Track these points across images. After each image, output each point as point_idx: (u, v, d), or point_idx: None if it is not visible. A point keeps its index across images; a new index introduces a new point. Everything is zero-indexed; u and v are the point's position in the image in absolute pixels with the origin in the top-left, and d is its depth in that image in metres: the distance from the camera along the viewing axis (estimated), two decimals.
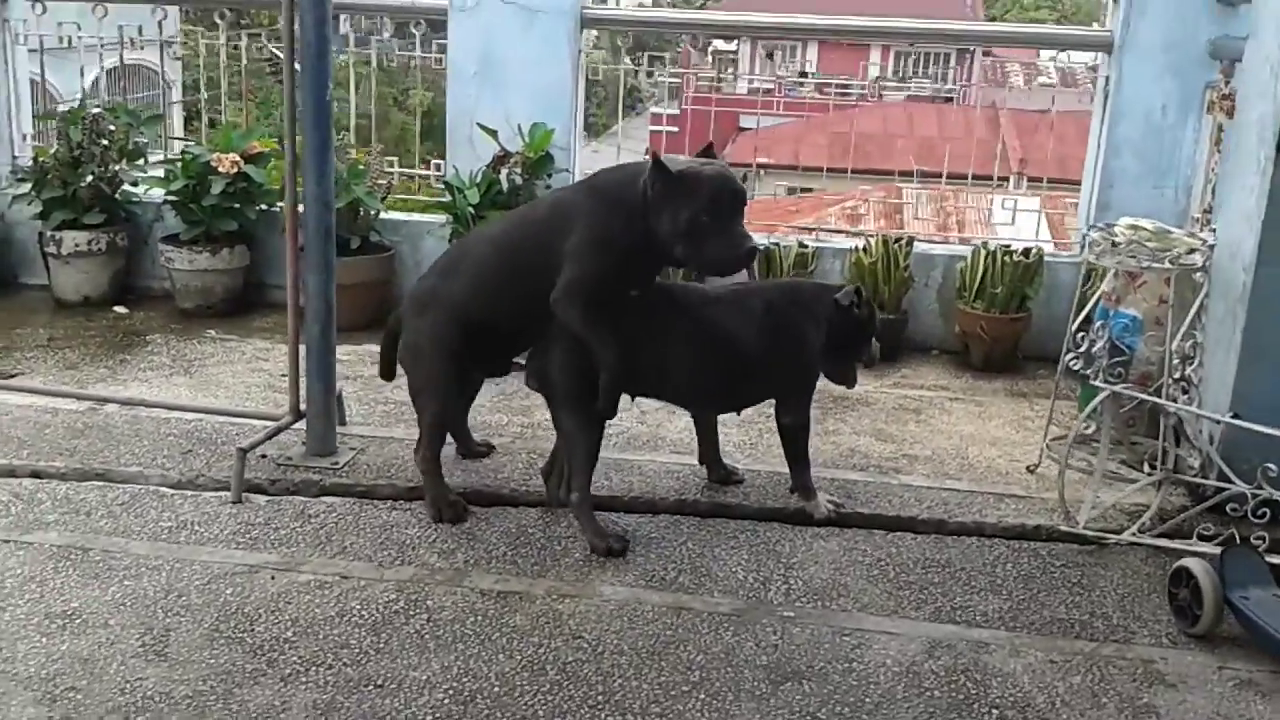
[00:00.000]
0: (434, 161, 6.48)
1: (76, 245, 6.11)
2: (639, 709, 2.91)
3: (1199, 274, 4.24)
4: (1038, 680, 3.14)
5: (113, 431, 4.48)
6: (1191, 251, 4.17)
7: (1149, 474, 4.21)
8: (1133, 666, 3.24)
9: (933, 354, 6.12)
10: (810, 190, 15.92)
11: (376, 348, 5.56)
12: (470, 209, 5.77)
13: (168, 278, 6.21)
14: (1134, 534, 3.96)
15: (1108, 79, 5.77)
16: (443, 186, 6.14)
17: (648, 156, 3.86)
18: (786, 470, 4.14)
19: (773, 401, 4.10)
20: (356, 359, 5.54)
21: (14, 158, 6.49)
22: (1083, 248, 4.44)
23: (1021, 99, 13.78)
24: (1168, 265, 4.18)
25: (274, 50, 7.18)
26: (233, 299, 6.13)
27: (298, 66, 3.94)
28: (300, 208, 4.15)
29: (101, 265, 6.22)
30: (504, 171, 5.88)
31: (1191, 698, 3.11)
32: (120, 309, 6.23)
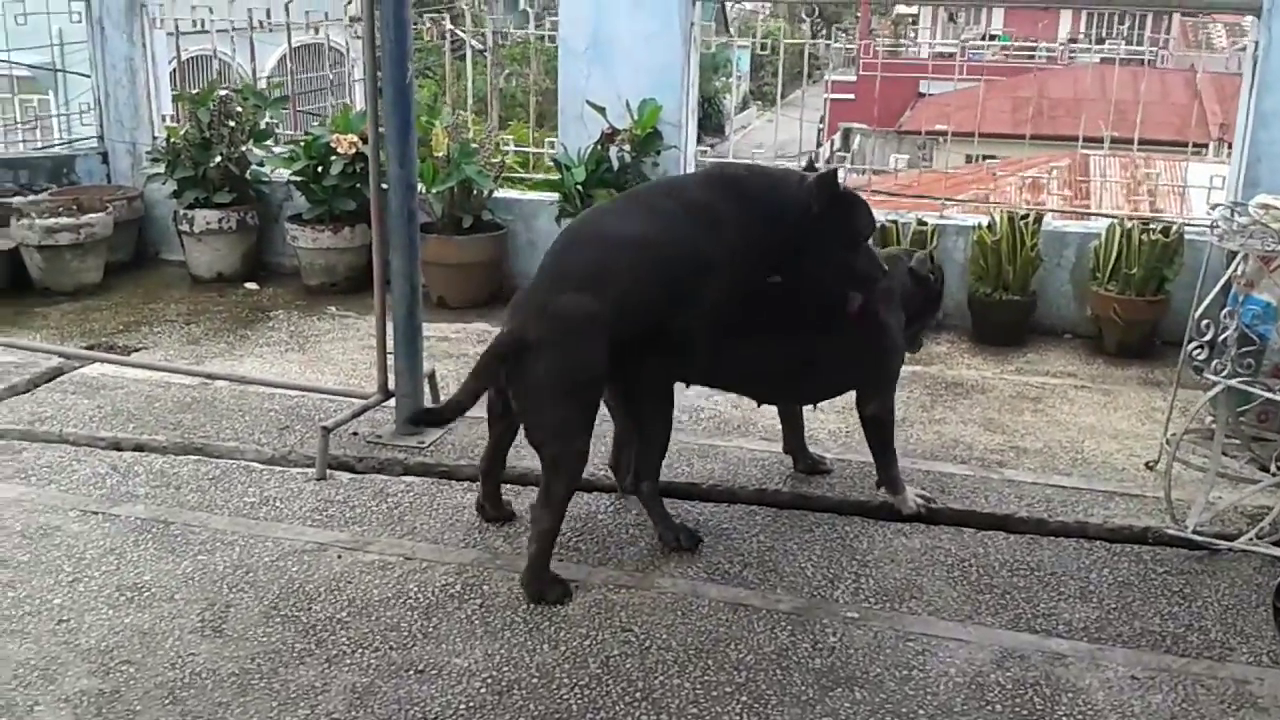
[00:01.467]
0: (548, 140, 6.47)
1: (208, 223, 6.35)
2: (676, 709, 2.82)
3: None
4: (1113, 698, 2.92)
5: (218, 407, 4.62)
6: None
7: (1274, 474, 3.87)
8: (1223, 687, 2.98)
9: (1064, 338, 5.81)
10: (993, 158, 15.32)
11: (486, 326, 5.69)
12: (577, 187, 5.73)
13: (294, 255, 6.39)
14: (1249, 540, 3.64)
15: (1256, 44, 5.31)
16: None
17: (804, 169, 3.65)
18: (917, 504, 3.89)
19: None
20: (464, 337, 5.60)
21: (154, 138, 6.79)
22: (1210, 227, 4.08)
23: (1221, 62, 12.94)
24: None
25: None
26: (355, 277, 6.26)
27: (378, 49, 3.95)
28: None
29: (233, 243, 6.46)
30: (612, 149, 5.82)
31: None
32: (251, 285, 6.46)
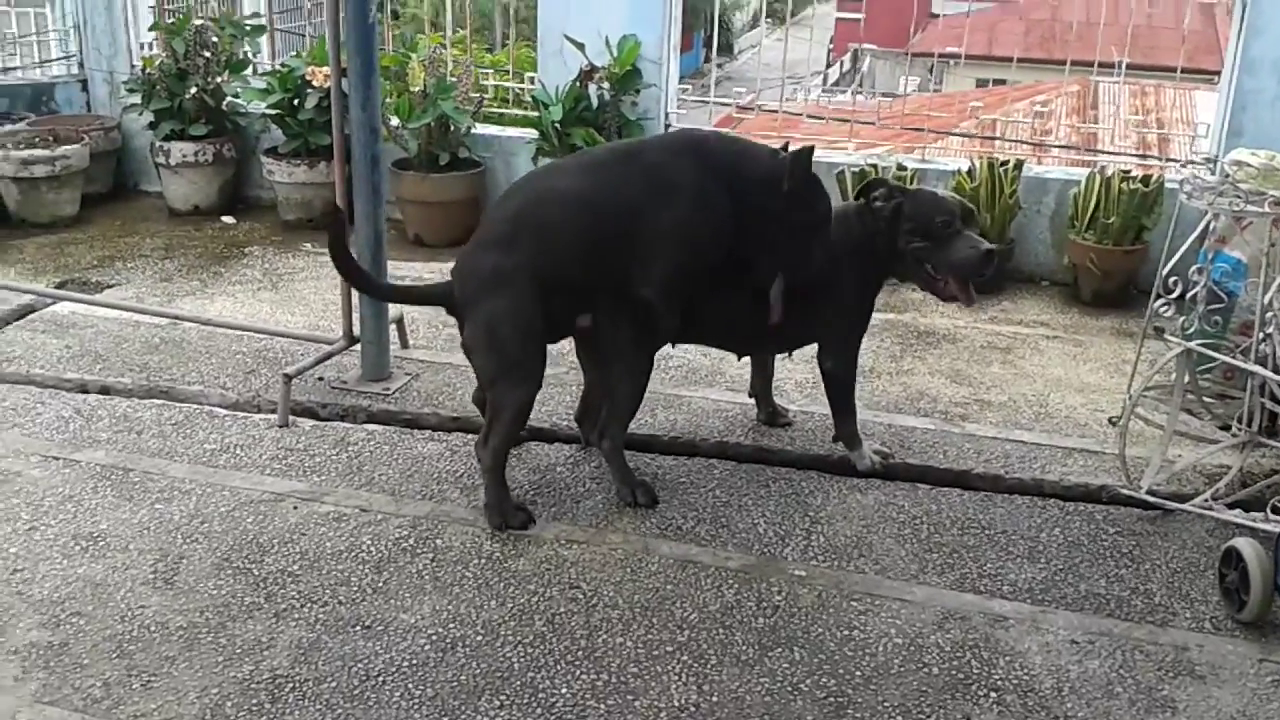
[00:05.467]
0: (529, 75, 6.38)
1: (184, 156, 6.30)
2: (616, 668, 2.86)
3: None
4: (1050, 662, 2.95)
5: (186, 348, 4.63)
6: None
7: (1235, 434, 3.87)
8: (1162, 653, 3.01)
9: (1041, 285, 5.79)
10: (1003, 82, 15.09)
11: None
12: (555, 125, 5.66)
13: (271, 189, 6.34)
14: (1204, 502, 3.65)
15: None
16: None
17: (781, 148, 3.56)
18: (873, 459, 3.92)
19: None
20: (440, 277, 5.52)
21: (131, 67, 6.69)
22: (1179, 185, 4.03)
23: None
24: (1266, 209, 3.76)
25: None
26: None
27: None
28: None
29: (209, 176, 6.41)
30: (591, 87, 5.74)
31: (1218, 692, 2.86)
32: (228, 219, 6.43)
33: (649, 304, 3.45)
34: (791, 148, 3.53)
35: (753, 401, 4.19)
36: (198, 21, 6.31)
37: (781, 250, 3.50)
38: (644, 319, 3.52)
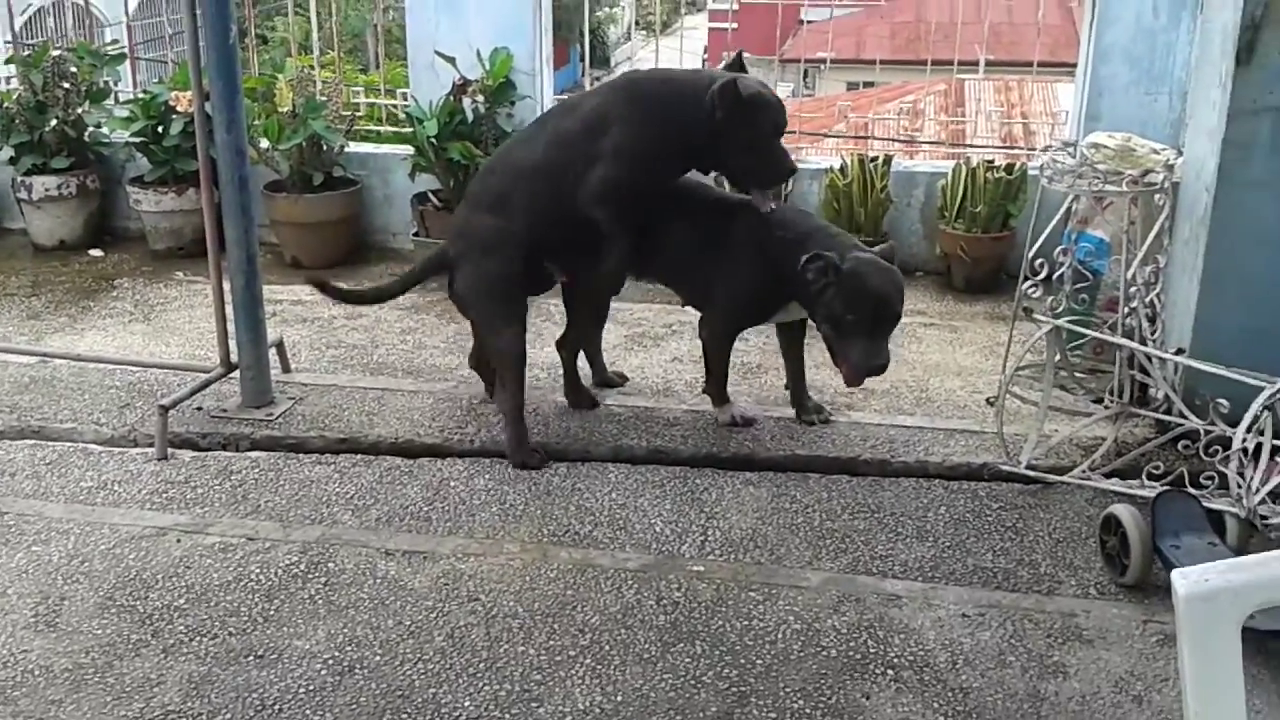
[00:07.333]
0: (400, 91, 6.32)
1: (47, 190, 6.09)
2: (519, 676, 2.84)
3: (1159, 195, 3.97)
4: (944, 636, 3.02)
5: (57, 386, 4.47)
6: (1147, 172, 3.90)
7: (1107, 407, 4.02)
8: (1050, 621, 3.10)
9: (916, 275, 5.90)
10: (872, 84, 15.45)
11: (344, 286, 5.58)
12: (430, 140, 5.62)
13: (139, 220, 6.17)
14: (1081, 473, 3.78)
15: None
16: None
17: (708, 68, 3.97)
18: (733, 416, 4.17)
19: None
20: (319, 300, 5.41)
21: None
22: (1040, 170, 4.17)
23: None
24: (1124, 188, 3.92)
25: None
26: (203, 240, 6.00)
27: (198, 8, 3.80)
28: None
29: (74, 209, 6.21)
30: (466, 101, 5.72)
31: (1107, 654, 2.96)
32: (96, 252, 6.23)
33: (597, 224, 3.77)
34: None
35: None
36: (55, 52, 6.11)
37: (742, 160, 3.81)
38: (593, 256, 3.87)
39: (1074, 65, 5.87)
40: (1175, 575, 1.65)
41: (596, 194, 3.75)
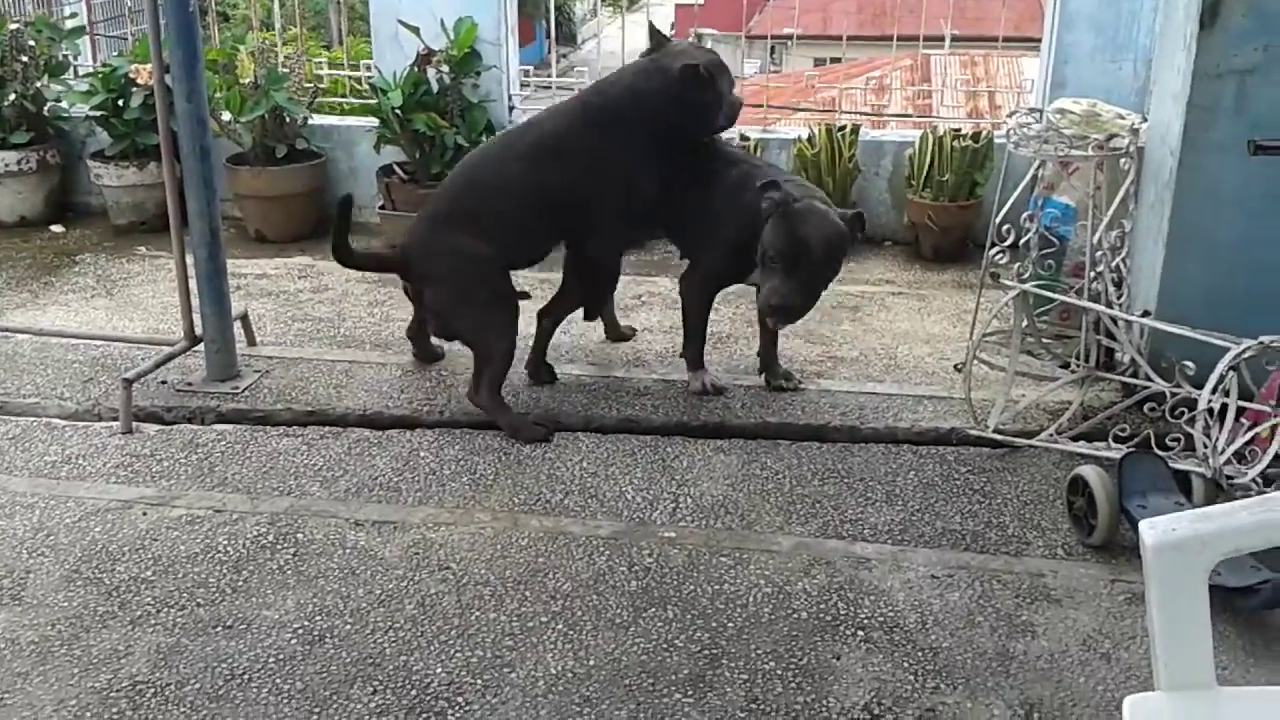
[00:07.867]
0: (364, 62, 6.26)
1: (6, 165, 5.99)
2: (490, 643, 2.84)
3: (1124, 160, 3.99)
4: (914, 597, 3.04)
5: (19, 361, 4.41)
6: (1112, 137, 3.92)
7: (1073, 371, 4.04)
8: (1019, 581, 3.12)
9: (885, 245, 5.92)
10: (839, 60, 15.44)
11: (308, 260, 5.55)
12: (395, 111, 5.56)
13: (100, 194, 6.09)
14: (1049, 436, 3.81)
15: None
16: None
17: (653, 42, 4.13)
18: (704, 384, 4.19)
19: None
20: (284, 273, 5.44)
21: None
22: (1006, 135, 4.18)
23: None
24: (1090, 153, 3.93)
25: None
26: (166, 214, 5.96)
27: None
28: None
29: (34, 185, 6.11)
30: (430, 71, 5.66)
31: (1075, 613, 2.99)
32: (57, 228, 6.14)
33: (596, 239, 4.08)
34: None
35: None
36: (13, 25, 5.99)
37: (706, 117, 4.02)
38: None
39: (1039, 39, 5.87)
40: (1143, 525, 1.66)
41: (607, 232, 4.09)
